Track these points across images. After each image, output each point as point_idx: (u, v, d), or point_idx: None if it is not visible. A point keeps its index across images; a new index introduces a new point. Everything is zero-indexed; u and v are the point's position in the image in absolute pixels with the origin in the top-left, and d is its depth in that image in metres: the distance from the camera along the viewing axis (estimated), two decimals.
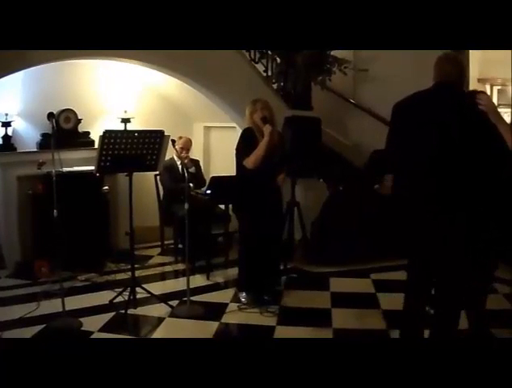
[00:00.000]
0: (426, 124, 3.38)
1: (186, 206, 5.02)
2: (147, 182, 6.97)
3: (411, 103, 3.54)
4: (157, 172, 6.50)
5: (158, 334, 4.57)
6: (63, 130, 6.46)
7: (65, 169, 5.12)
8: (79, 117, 6.76)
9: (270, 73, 7.30)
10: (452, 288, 3.46)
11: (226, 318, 4.92)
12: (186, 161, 6.53)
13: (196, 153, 7.74)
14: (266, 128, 4.97)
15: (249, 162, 4.99)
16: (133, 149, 4.86)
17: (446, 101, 3.38)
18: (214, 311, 5.03)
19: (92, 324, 4.67)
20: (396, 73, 7.05)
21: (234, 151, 5.17)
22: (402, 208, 3.59)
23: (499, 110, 3.56)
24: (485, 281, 3.86)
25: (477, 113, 3.22)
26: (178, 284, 5.84)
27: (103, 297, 5.29)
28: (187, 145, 6.86)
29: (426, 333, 3.61)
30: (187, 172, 5.25)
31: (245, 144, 5.09)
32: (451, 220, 3.32)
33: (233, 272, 5.90)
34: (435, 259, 3.44)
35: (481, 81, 9.53)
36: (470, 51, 7.69)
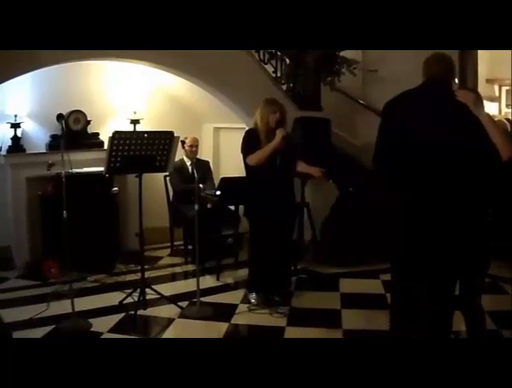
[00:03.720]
0: (414, 121, 3.40)
1: (196, 207, 5.02)
2: (156, 183, 6.97)
3: (400, 101, 3.58)
4: (167, 173, 6.50)
5: (168, 335, 4.57)
6: (72, 131, 6.49)
7: (75, 170, 5.10)
8: (88, 118, 6.77)
9: (279, 74, 7.29)
10: (446, 287, 3.46)
11: (236, 319, 4.92)
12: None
13: (206, 154, 7.75)
14: (280, 132, 4.92)
15: (253, 159, 4.95)
16: (143, 150, 4.87)
17: (434, 99, 3.42)
18: (224, 312, 5.03)
19: (102, 325, 4.68)
20: (405, 74, 6.97)
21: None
22: (393, 207, 3.61)
23: (507, 110, 3.55)
24: (480, 279, 3.83)
25: (465, 111, 3.22)
26: (188, 285, 5.81)
27: (113, 298, 5.30)
28: (195, 142, 6.85)
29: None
30: (197, 173, 5.23)
31: (249, 146, 5.04)
32: (445, 218, 3.32)
33: (243, 272, 5.88)
34: (428, 258, 3.43)
35: (490, 81, 9.48)
36: (479, 51, 7.67)
